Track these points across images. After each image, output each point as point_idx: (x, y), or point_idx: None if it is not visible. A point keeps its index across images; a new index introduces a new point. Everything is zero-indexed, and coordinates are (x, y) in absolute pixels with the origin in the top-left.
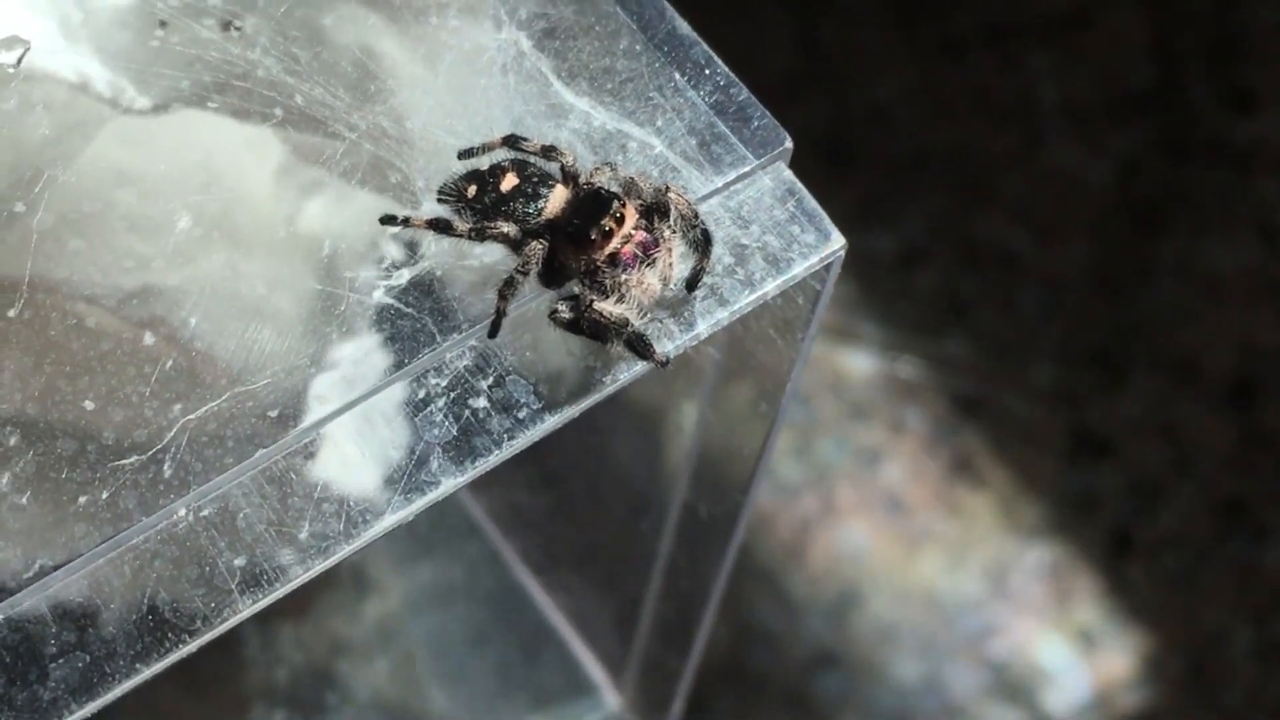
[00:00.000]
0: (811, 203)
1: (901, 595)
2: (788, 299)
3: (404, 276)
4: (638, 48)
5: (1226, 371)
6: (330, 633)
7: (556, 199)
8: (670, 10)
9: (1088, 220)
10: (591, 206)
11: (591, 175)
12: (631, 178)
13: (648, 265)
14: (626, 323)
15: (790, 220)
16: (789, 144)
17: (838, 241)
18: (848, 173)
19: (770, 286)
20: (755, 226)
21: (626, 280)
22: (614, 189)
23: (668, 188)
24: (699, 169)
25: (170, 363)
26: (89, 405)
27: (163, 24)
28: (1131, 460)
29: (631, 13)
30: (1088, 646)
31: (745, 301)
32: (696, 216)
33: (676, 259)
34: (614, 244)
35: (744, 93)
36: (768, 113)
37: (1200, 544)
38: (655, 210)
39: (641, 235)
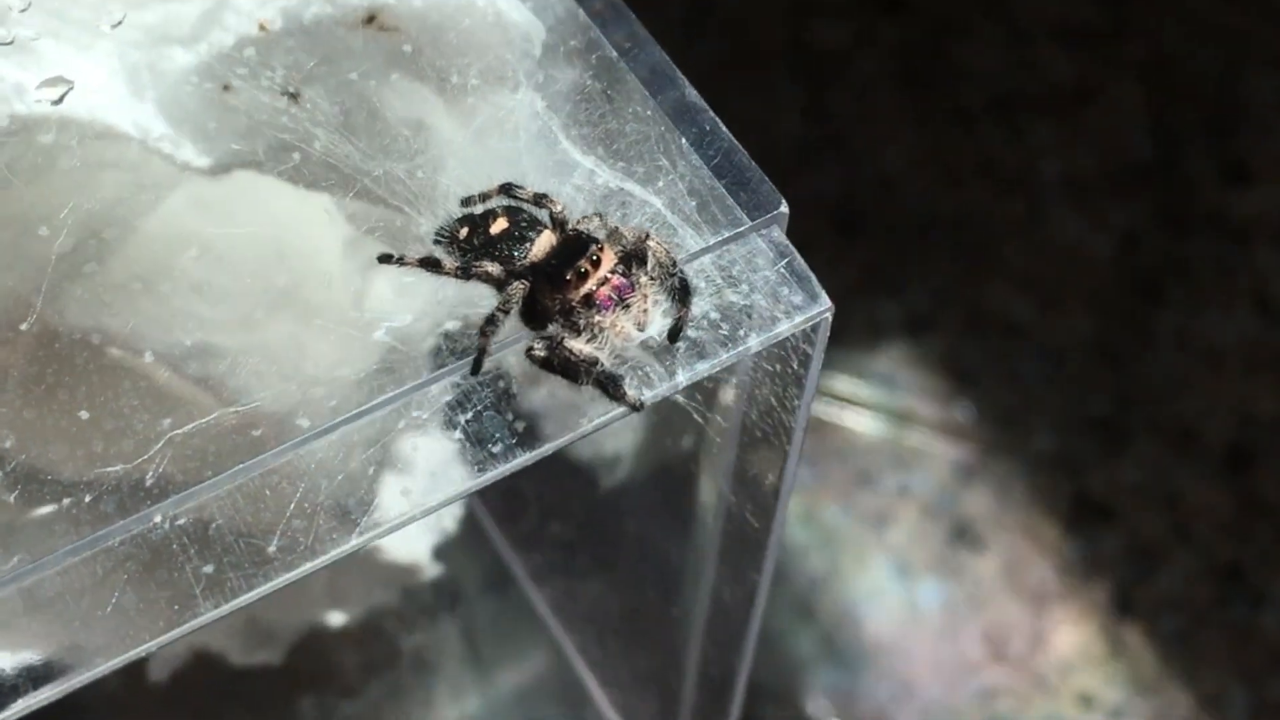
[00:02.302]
0: (802, 265)
1: (906, 657)
2: (784, 365)
3: (405, 318)
4: (648, 112)
5: (1225, 440)
6: (382, 715)
7: (542, 243)
8: (681, 78)
9: (1089, 290)
10: (571, 249)
11: (579, 223)
12: (617, 227)
13: (622, 309)
14: (596, 361)
15: (780, 282)
16: (784, 208)
17: (824, 304)
18: (856, 240)
19: (754, 343)
20: (745, 285)
21: (599, 321)
22: (599, 236)
23: (648, 235)
24: (695, 229)
25: (164, 380)
26: (84, 415)
27: (226, 87)
28: (1132, 526)
29: (643, 79)
30: (1087, 709)
31: (727, 356)
32: (675, 265)
33: (653, 306)
34: (589, 285)
35: (745, 158)
36: (766, 178)
37: (1198, 608)
38: (634, 257)
39: (618, 280)
